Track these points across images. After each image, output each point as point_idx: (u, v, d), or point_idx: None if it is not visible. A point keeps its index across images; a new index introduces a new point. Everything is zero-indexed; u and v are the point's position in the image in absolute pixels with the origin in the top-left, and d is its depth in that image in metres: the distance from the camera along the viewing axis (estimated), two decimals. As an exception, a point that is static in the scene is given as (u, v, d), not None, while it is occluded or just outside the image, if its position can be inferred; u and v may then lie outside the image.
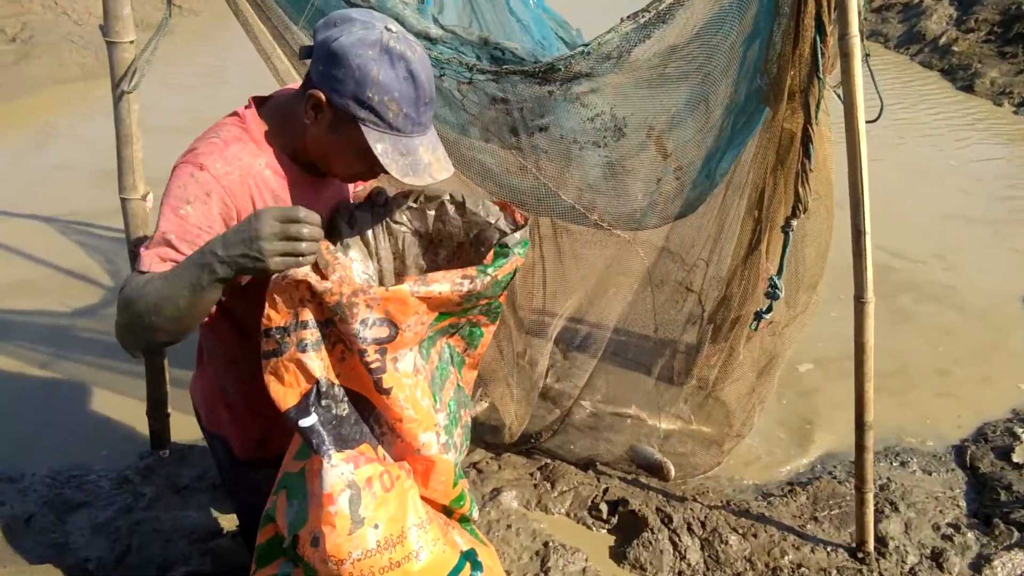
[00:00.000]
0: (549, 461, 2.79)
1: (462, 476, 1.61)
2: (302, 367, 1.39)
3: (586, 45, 1.92)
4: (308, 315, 1.38)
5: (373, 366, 1.40)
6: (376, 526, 1.40)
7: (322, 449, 1.38)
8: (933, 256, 4.41)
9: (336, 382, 1.42)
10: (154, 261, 1.34)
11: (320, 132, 1.42)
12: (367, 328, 1.37)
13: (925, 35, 8.02)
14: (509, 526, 2.48)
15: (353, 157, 1.43)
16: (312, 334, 1.38)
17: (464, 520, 1.68)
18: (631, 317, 2.70)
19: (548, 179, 2.18)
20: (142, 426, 2.85)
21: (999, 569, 2.34)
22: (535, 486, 2.69)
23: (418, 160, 1.40)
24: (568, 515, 2.60)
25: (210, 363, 1.71)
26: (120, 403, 3.14)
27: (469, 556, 1.57)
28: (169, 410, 2.77)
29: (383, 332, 1.39)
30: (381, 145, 1.37)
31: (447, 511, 1.62)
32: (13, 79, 6.91)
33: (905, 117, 6.36)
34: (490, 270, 1.46)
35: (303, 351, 1.38)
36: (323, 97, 1.37)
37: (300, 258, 1.28)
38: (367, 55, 1.33)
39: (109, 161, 2.38)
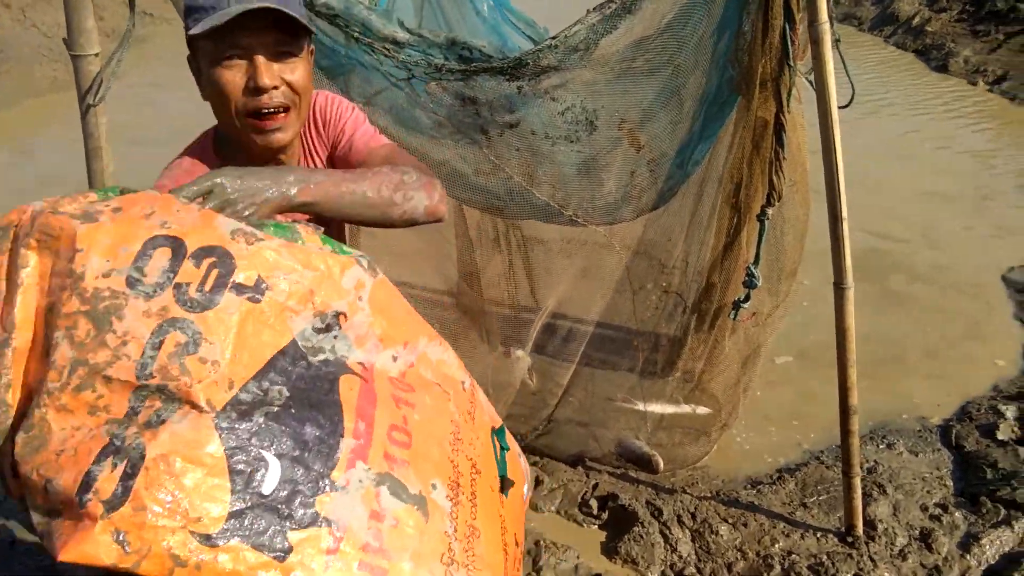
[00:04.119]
0: (538, 459, 2.78)
1: None
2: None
3: (553, 38, 1.91)
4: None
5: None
6: None
7: None
8: (919, 236, 4.44)
9: None
10: None
11: (204, 89, 1.37)
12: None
13: (898, 16, 8.05)
14: (499, 526, 2.47)
15: (212, 78, 1.31)
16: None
17: None
18: (611, 312, 2.71)
19: (521, 177, 2.17)
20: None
21: (987, 547, 2.35)
22: (524, 485, 2.68)
23: (227, 12, 1.25)
24: (558, 512, 2.59)
25: None
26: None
27: None
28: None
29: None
30: (195, 28, 1.27)
31: None
32: (-17, 94, 6.85)
33: (881, 99, 6.38)
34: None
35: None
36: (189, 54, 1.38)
37: None
38: None
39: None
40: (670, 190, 2.27)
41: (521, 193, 2.19)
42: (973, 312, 3.72)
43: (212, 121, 1.44)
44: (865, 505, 2.44)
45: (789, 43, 1.90)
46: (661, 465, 2.67)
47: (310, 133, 1.53)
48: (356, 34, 1.89)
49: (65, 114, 6.56)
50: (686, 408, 2.79)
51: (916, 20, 7.81)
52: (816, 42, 1.86)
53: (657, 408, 2.79)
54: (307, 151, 1.54)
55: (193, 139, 1.51)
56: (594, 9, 1.85)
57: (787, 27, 1.89)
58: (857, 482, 2.32)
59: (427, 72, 1.95)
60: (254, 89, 1.31)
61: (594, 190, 2.25)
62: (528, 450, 2.83)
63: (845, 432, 2.25)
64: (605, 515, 2.55)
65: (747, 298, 2.28)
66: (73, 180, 5.07)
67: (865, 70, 7.12)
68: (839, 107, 2.01)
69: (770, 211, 2.13)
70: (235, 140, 1.39)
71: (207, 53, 1.31)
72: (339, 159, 1.51)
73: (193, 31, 1.28)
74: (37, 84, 7.20)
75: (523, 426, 2.87)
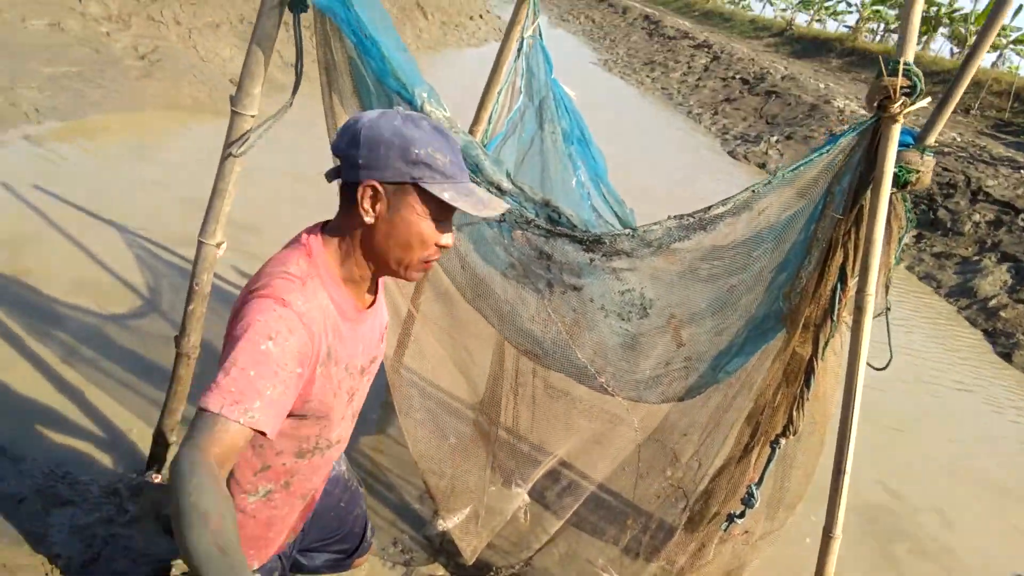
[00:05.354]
0: (500, 597, 2.84)
1: None
2: None
3: (634, 229, 2.15)
4: None
5: None
6: None
7: None
8: (936, 510, 4.39)
9: None
10: (227, 403, 1.26)
11: (384, 222, 1.44)
12: None
13: (977, 293, 8.19)
14: (443, 649, 2.52)
15: (420, 232, 1.45)
16: None
17: None
18: (613, 480, 2.81)
19: (568, 334, 2.36)
20: (145, 446, 2.97)
21: None
22: (480, 617, 2.73)
23: (480, 198, 1.47)
24: (501, 656, 2.63)
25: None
26: (132, 418, 3.29)
27: None
28: (174, 440, 2.90)
29: None
30: (447, 193, 1.42)
31: None
32: (131, 92, 7.51)
33: (935, 367, 6.45)
34: None
35: None
36: (376, 183, 1.41)
37: None
38: (395, 124, 1.41)
39: (199, 190, 2.57)
40: (698, 388, 2.43)
41: (564, 349, 2.38)
42: (965, 606, 3.66)
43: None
44: None
45: (837, 300, 2.09)
46: (614, 645, 2.70)
47: None
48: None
49: (195, 132, 7.16)
50: (656, 597, 2.83)
51: (993, 302, 7.94)
52: (859, 308, 2.04)
53: (629, 586, 2.84)
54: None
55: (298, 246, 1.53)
56: (674, 216, 2.08)
57: (839, 286, 2.08)
58: None
59: (517, 221, 2.20)
60: (441, 246, 1.51)
61: (630, 366, 2.42)
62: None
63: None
64: (545, 675, 2.58)
65: (742, 515, 2.37)
66: (176, 192, 5.54)
67: (929, 334, 7.23)
68: (877, 368, 2.17)
69: (783, 441, 2.25)
70: (365, 262, 1.52)
71: (427, 208, 1.44)
72: None
73: (433, 190, 1.41)
74: (180, 99, 7.86)
75: (500, 560, 2.94)
